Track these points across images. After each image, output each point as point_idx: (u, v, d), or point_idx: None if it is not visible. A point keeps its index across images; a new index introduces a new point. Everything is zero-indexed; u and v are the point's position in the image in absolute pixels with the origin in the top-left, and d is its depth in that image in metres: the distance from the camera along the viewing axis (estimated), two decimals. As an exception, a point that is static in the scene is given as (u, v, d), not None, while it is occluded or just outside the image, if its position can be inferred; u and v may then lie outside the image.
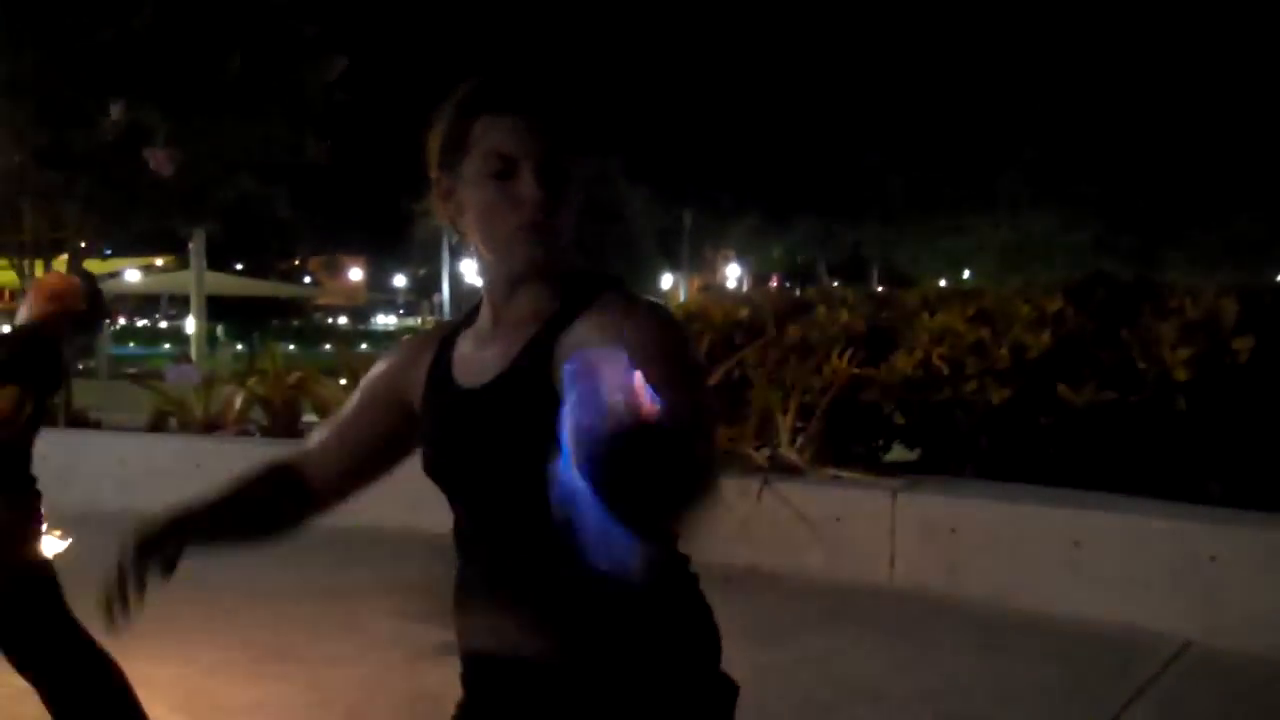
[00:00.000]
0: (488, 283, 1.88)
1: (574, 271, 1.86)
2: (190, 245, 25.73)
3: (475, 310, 1.95)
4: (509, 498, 1.79)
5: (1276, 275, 27.10)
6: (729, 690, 1.86)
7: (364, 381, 2.06)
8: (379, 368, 2.05)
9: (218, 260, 31.33)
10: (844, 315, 8.29)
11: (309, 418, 10.10)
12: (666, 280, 44.81)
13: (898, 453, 8.29)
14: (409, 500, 8.47)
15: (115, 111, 10.19)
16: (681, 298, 27.49)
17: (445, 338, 1.96)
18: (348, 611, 6.57)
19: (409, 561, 7.78)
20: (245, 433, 10.10)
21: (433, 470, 1.94)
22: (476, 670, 1.95)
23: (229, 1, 11.12)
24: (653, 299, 1.86)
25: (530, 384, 1.76)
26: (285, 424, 9.99)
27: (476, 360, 1.87)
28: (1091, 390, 7.26)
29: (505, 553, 1.86)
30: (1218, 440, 7.17)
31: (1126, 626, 6.09)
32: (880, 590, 6.81)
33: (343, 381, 10.24)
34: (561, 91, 1.80)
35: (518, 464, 1.74)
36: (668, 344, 1.70)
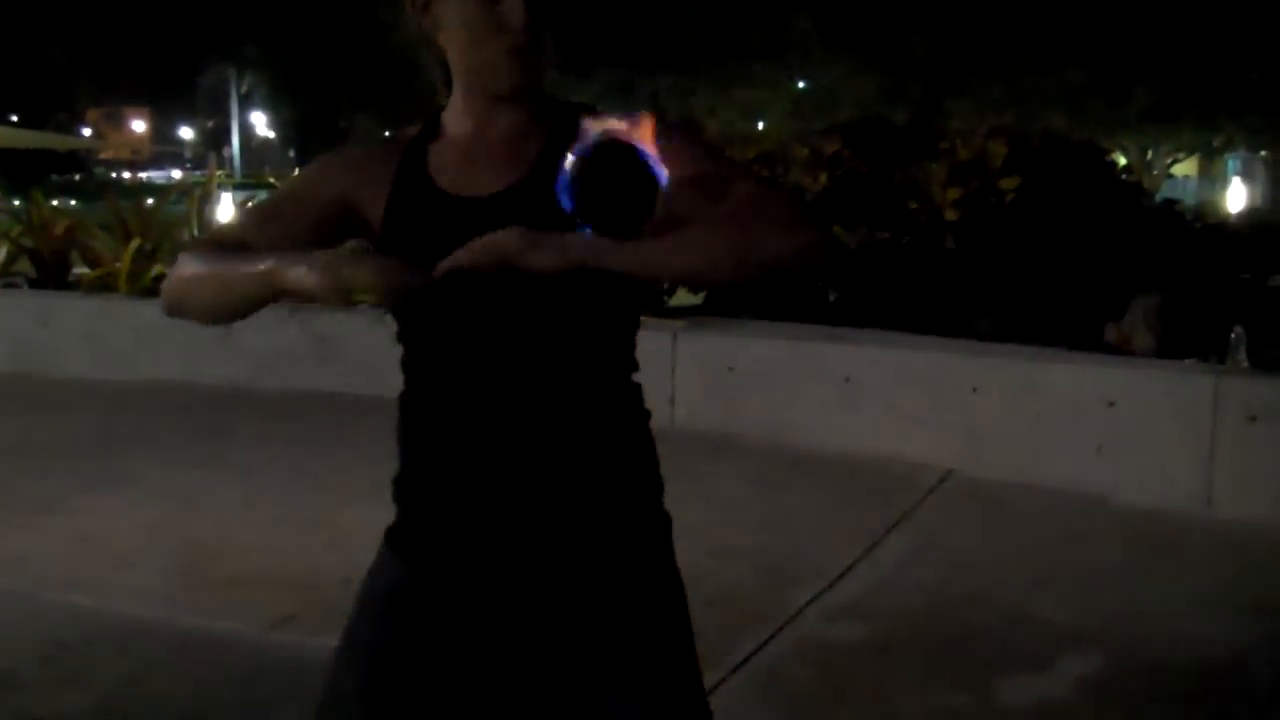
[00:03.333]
0: (464, 100, 1.79)
1: (546, 95, 1.81)
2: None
3: (429, 127, 1.84)
4: (530, 314, 1.70)
5: (1054, 120, 27.86)
6: (667, 522, 1.90)
7: (297, 190, 1.85)
8: (318, 176, 1.85)
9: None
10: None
11: (79, 269, 9.76)
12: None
13: (682, 296, 8.36)
14: (185, 351, 8.37)
15: None
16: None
17: (402, 154, 1.82)
18: (119, 463, 6.42)
19: (185, 413, 7.65)
20: (12, 285, 9.72)
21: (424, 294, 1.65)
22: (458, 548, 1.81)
23: None
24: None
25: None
26: (54, 275, 9.65)
27: (469, 172, 1.76)
28: (865, 231, 7.40)
29: (518, 389, 1.74)
30: (985, 277, 7.39)
31: (893, 457, 6.32)
32: (661, 430, 6.85)
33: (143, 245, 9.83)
34: None
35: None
36: (700, 143, 1.77)
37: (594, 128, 1.54)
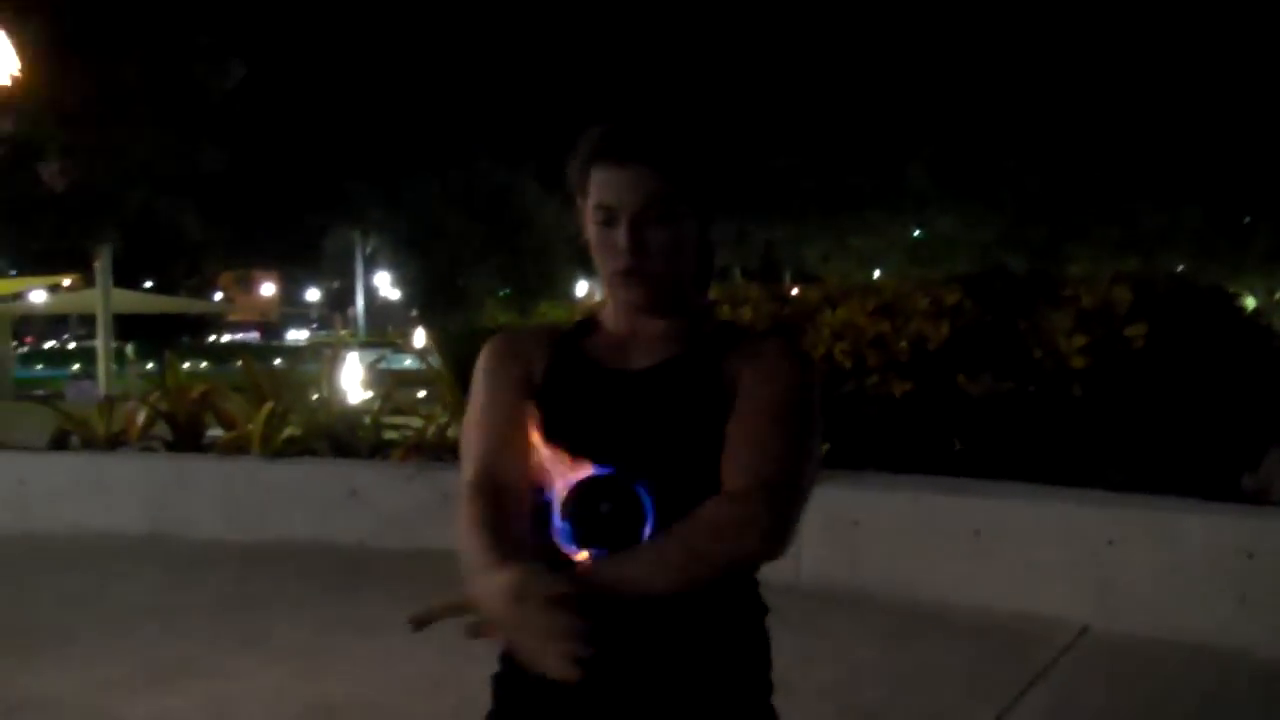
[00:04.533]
0: (612, 303, 2.00)
1: (702, 306, 2.02)
2: (95, 263, 25.32)
3: (586, 321, 2.05)
4: (671, 477, 1.80)
5: (1176, 264, 27.58)
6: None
7: (496, 385, 2.00)
8: (509, 367, 2.01)
9: (126, 278, 30.76)
10: (747, 313, 8.31)
11: (214, 432, 9.99)
12: (581, 287, 44.72)
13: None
14: (315, 511, 8.49)
15: (6, 125, 9.99)
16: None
17: (559, 340, 2.02)
18: (251, 624, 6.49)
19: (315, 573, 7.74)
20: (149, 448, 9.96)
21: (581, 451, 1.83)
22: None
23: (123, 10, 10.93)
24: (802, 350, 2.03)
25: (704, 364, 1.90)
26: (190, 438, 9.87)
27: (627, 355, 1.95)
28: (989, 380, 7.34)
29: None
30: (1114, 426, 7.26)
31: (1026, 613, 6.18)
32: (788, 586, 6.78)
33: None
34: (671, 144, 1.88)
35: (697, 431, 1.83)
36: (793, 399, 1.88)
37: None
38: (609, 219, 1.86)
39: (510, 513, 1.86)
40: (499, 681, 1.97)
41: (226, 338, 63.96)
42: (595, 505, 1.76)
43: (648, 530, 1.75)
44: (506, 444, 1.93)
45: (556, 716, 1.86)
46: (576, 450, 1.81)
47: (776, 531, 1.77)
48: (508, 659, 1.93)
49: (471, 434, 2.00)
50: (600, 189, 1.86)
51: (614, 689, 1.81)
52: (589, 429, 1.85)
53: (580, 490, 1.77)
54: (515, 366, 1.99)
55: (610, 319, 1.99)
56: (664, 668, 1.81)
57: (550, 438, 1.87)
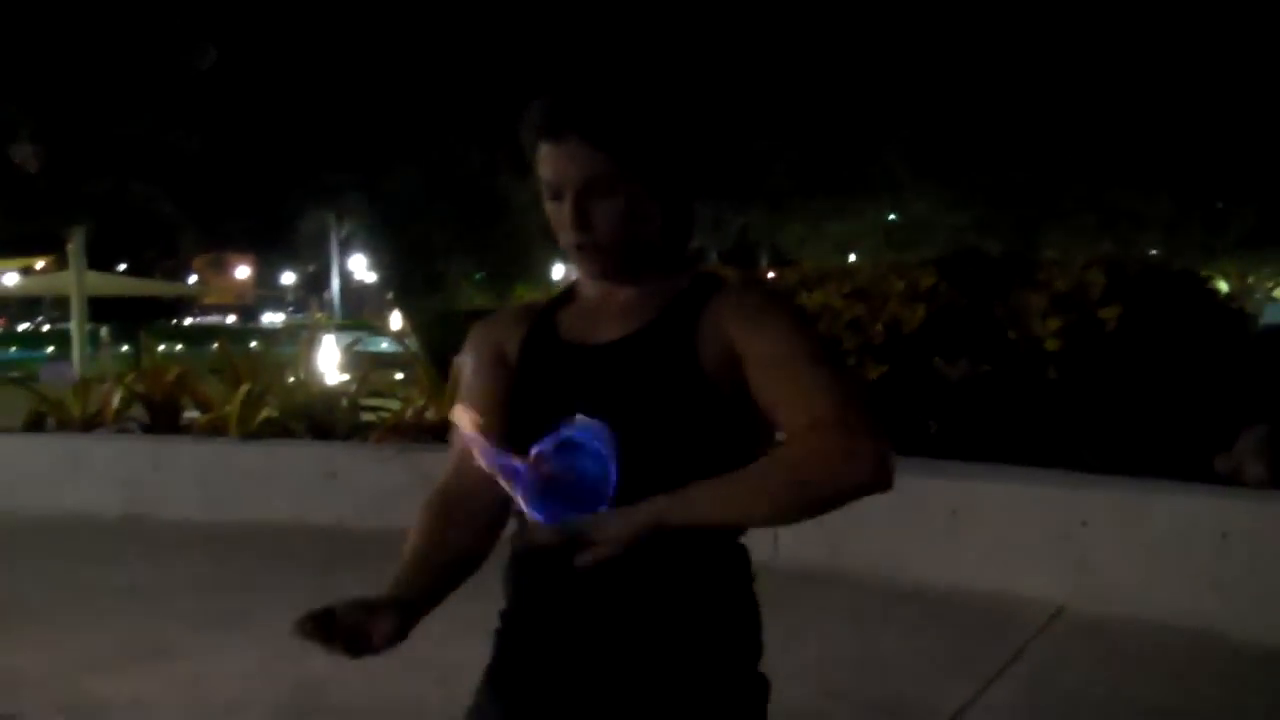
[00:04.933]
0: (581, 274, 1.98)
1: (678, 265, 1.98)
2: (69, 246, 25.17)
3: (565, 292, 2.04)
4: (636, 450, 1.74)
5: (1151, 249, 27.70)
6: (763, 687, 1.93)
7: (472, 372, 2.04)
8: (481, 351, 2.04)
9: (100, 261, 30.52)
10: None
11: (190, 413, 9.97)
12: (558, 270, 44.63)
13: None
14: (292, 492, 8.48)
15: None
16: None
17: (537, 315, 2.02)
18: (229, 604, 6.49)
19: (293, 553, 7.74)
20: (125, 430, 9.93)
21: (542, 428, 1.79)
22: (540, 638, 1.91)
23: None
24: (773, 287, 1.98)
25: (673, 337, 1.85)
26: (166, 420, 9.84)
27: (594, 326, 1.93)
28: (965, 363, 7.38)
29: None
30: (1089, 407, 7.31)
31: (1002, 594, 6.22)
32: (766, 567, 6.78)
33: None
34: (607, 116, 1.82)
35: (654, 413, 1.79)
36: (814, 336, 1.86)
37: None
38: (555, 193, 1.84)
39: (462, 525, 1.98)
40: (500, 637, 1.98)
41: (189, 321, 63.69)
42: (555, 472, 1.69)
43: (612, 484, 1.69)
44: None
45: (553, 674, 1.87)
46: (538, 429, 1.77)
47: (884, 457, 1.72)
48: (508, 617, 1.97)
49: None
50: (543, 164, 1.84)
51: (607, 650, 1.82)
52: (547, 407, 1.80)
53: (531, 469, 1.70)
54: (488, 351, 2.02)
55: (584, 286, 1.99)
56: (656, 629, 1.81)
57: (518, 418, 1.88)
